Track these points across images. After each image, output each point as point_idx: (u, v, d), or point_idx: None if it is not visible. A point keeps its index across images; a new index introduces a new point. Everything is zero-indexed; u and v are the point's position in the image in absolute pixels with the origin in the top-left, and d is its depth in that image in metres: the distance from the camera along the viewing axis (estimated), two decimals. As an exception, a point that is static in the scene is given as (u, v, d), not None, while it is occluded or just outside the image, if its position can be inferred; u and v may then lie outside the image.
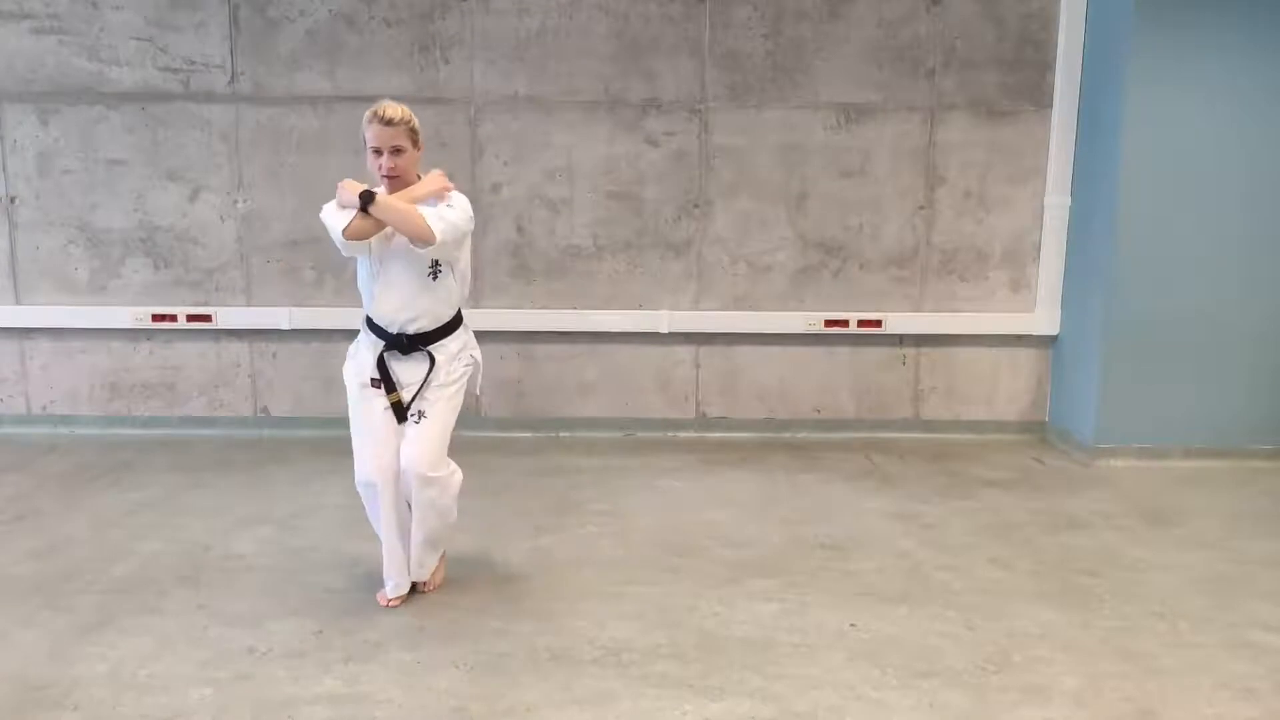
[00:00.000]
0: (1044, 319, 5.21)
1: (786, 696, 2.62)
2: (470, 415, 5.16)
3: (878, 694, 2.64)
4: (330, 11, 4.92)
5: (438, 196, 3.00)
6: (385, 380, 3.04)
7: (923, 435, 5.31)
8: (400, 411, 3.04)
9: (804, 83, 5.03)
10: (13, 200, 5.03)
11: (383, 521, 3.10)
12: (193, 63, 4.96)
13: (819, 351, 5.27)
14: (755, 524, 3.96)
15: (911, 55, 5.02)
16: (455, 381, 3.11)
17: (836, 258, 5.19)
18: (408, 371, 3.07)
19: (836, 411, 5.33)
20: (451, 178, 3.13)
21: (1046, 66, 5.03)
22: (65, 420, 5.24)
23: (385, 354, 3.04)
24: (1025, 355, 5.31)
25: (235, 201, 5.07)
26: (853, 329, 5.20)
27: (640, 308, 5.13)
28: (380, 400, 3.05)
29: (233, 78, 4.97)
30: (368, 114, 2.91)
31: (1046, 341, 5.28)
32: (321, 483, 4.43)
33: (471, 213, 3.03)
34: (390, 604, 3.13)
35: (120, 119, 4.98)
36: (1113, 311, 4.76)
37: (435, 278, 3.01)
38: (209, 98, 4.98)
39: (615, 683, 2.69)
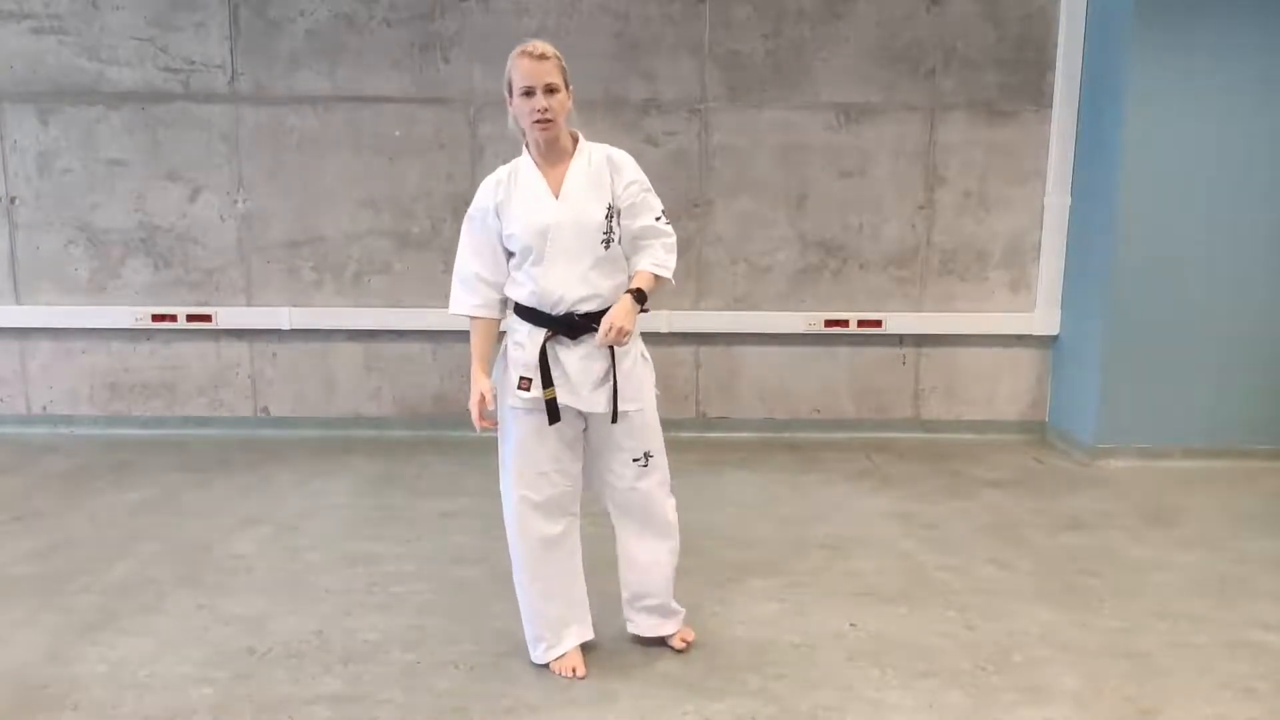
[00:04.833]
0: (1044, 319, 5.21)
1: (786, 696, 2.62)
2: (467, 417, 5.17)
3: (878, 694, 2.64)
4: (330, 12, 4.92)
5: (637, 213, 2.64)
6: (544, 373, 2.58)
7: (923, 435, 5.31)
8: (554, 411, 2.60)
9: (804, 83, 5.03)
10: (13, 200, 5.04)
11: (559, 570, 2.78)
12: (193, 63, 4.96)
13: (819, 351, 5.27)
14: (755, 524, 3.96)
15: (911, 55, 5.02)
16: (649, 398, 2.77)
17: (836, 258, 5.19)
18: (577, 364, 2.61)
19: (836, 411, 5.33)
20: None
21: (1046, 67, 5.03)
22: (65, 420, 5.24)
23: (548, 342, 2.59)
24: (1025, 355, 5.31)
25: (235, 201, 5.07)
26: (853, 329, 5.20)
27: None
28: (538, 413, 2.63)
29: (233, 78, 4.97)
30: (515, 53, 2.49)
31: (1046, 341, 5.28)
32: (321, 483, 4.43)
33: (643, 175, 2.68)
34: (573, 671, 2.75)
35: (120, 119, 4.98)
36: (1113, 311, 4.76)
37: (608, 245, 2.59)
38: (209, 98, 4.98)
39: (615, 683, 2.69)
